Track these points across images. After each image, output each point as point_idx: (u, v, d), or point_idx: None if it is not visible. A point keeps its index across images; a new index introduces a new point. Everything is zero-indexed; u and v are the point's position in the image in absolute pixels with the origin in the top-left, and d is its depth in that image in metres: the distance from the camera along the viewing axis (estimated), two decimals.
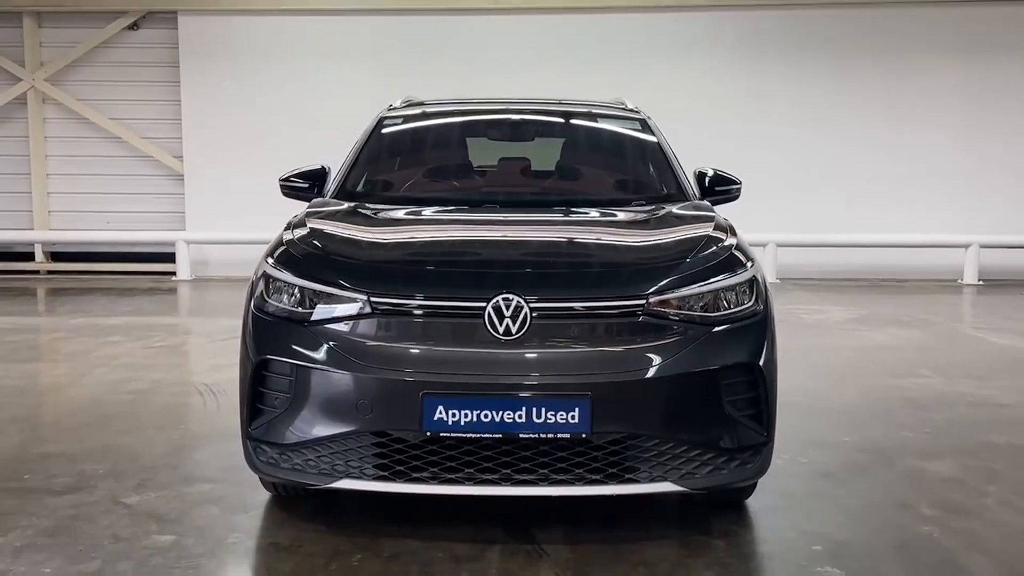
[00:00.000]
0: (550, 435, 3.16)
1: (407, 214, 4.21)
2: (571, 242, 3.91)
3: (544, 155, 5.10)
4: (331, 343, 3.27)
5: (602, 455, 3.22)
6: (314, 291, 3.38)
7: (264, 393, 3.37)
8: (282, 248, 3.64)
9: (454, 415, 3.15)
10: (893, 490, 4.11)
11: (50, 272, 13.14)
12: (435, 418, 3.15)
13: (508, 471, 3.21)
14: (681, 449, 3.26)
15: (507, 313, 3.21)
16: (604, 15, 12.62)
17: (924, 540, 3.55)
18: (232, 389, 5.69)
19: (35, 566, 3.25)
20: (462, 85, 10.76)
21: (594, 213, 4.22)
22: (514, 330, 3.21)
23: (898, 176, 12.60)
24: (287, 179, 4.66)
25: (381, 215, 4.16)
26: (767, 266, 11.55)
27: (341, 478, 3.26)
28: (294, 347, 3.31)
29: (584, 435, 3.17)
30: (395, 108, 5.24)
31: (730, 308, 3.40)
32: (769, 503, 3.87)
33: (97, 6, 12.81)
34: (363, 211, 4.16)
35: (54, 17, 13.05)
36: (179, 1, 12.73)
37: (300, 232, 3.75)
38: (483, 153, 5.16)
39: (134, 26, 12.99)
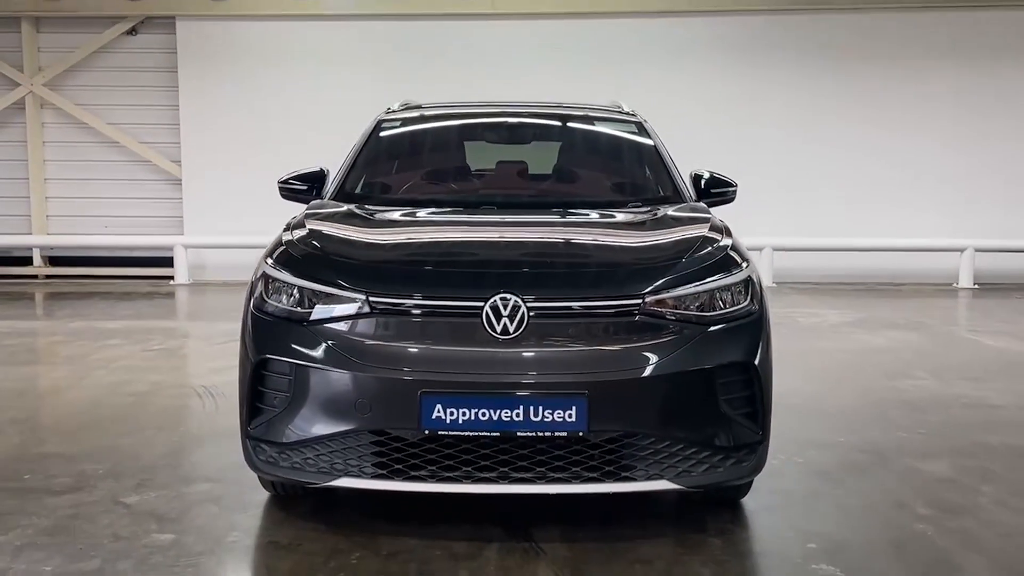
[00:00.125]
0: (547, 433, 3.19)
1: (405, 215, 4.25)
2: (568, 242, 3.94)
3: (541, 158, 5.13)
4: (330, 342, 3.29)
5: (599, 453, 3.24)
6: (313, 291, 3.40)
7: (263, 392, 3.40)
8: (281, 248, 3.67)
9: (452, 414, 3.18)
10: (889, 490, 4.14)
11: (48, 276, 13.14)
12: (433, 417, 3.18)
13: (506, 469, 3.23)
14: (677, 447, 3.28)
15: (505, 312, 3.24)
16: (601, 20, 12.67)
17: (919, 539, 3.58)
18: (230, 391, 5.73)
19: (35, 564, 3.27)
20: (460, 89, 10.79)
21: (591, 214, 4.26)
22: (512, 329, 3.24)
23: (893, 180, 12.64)
24: (286, 181, 4.69)
25: (379, 216, 4.19)
26: (763, 270, 11.59)
27: (340, 476, 3.28)
28: (293, 346, 3.33)
29: (581, 433, 3.19)
30: (393, 111, 5.27)
31: (725, 308, 3.43)
32: (765, 502, 3.90)
33: (95, 11, 12.83)
34: (361, 212, 4.19)
35: (52, 22, 13.07)
36: (177, 6, 12.76)
37: (299, 233, 3.78)
38: (481, 156, 5.19)
39: (132, 31, 13.02)
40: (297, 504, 3.82)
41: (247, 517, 3.74)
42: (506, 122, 5.26)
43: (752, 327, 3.45)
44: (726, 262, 3.56)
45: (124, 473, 4.28)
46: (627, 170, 4.99)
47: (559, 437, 3.20)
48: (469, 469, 3.23)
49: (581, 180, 4.94)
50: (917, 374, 6.61)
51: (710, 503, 3.84)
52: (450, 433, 3.19)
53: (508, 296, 3.25)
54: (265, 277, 3.54)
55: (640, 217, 4.18)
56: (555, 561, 3.30)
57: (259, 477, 3.77)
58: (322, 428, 3.28)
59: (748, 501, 3.87)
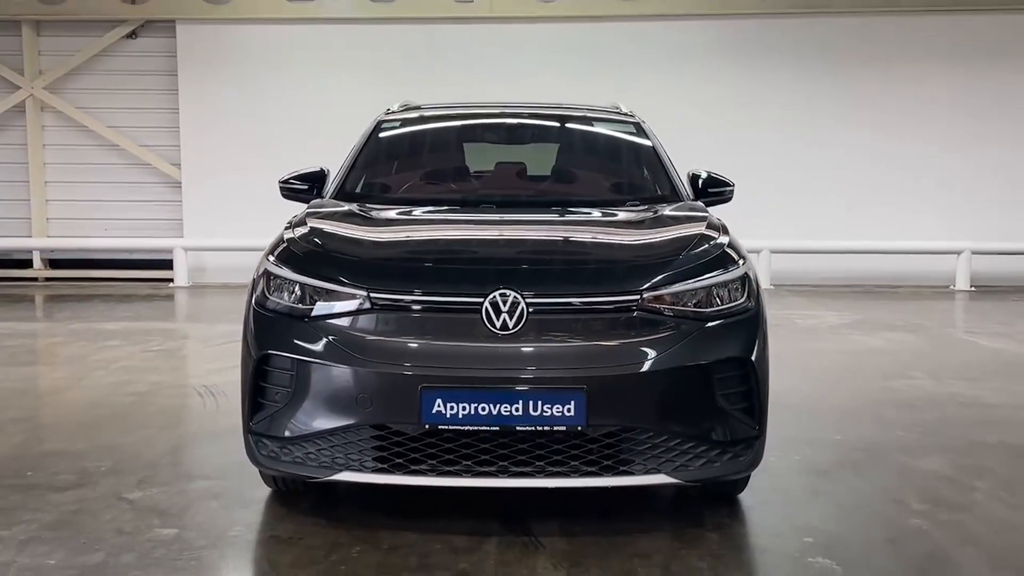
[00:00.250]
0: (546, 428, 3.23)
1: (406, 213, 4.29)
2: (567, 240, 3.99)
3: (540, 158, 5.18)
4: (331, 338, 3.33)
5: (597, 447, 3.28)
6: (314, 287, 3.44)
7: (265, 388, 3.44)
8: (283, 246, 3.71)
9: (452, 408, 3.22)
10: (885, 486, 4.18)
11: (48, 279, 13.17)
12: (433, 411, 3.22)
13: (505, 463, 3.27)
14: (675, 442, 3.32)
15: (504, 308, 3.28)
16: (600, 23, 12.72)
17: (914, 533, 3.62)
18: (230, 391, 5.78)
19: (39, 558, 3.30)
20: (460, 93, 10.83)
21: (589, 213, 4.30)
22: (511, 325, 3.28)
23: (890, 183, 12.69)
24: (287, 181, 4.73)
25: (380, 215, 4.23)
26: (761, 272, 11.62)
27: (341, 471, 3.32)
28: (295, 342, 3.37)
29: (579, 428, 3.23)
30: (393, 112, 5.31)
31: (722, 304, 3.47)
32: (762, 498, 3.94)
33: (96, 15, 12.87)
34: (362, 211, 4.23)
35: (53, 26, 13.11)
36: (177, 10, 12.81)
37: (300, 231, 3.81)
38: (480, 156, 5.24)
39: (132, 35, 13.06)
40: (298, 500, 3.86)
41: (248, 512, 3.77)
42: (505, 123, 5.31)
43: (749, 323, 3.49)
44: (723, 259, 3.61)
45: (126, 470, 4.31)
46: (625, 170, 5.03)
47: (558, 431, 3.23)
48: (469, 463, 3.27)
49: (580, 180, 4.99)
50: (914, 374, 6.65)
51: (707, 498, 3.87)
52: (450, 427, 3.23)
53: (507, 292, 3.29)
54: (267, 274, 3.58)
55: (638, 215, 4.22)
56: (554, 555, 3.33)
57: (260, 473, 3.80)
58: (323, 423, 3.32)
59: (745, 497, 3.91)
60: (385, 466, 3.30)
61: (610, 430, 3.27)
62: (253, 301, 3.57)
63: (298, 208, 4.47)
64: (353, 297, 3.38)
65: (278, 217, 4.72)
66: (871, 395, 6.00)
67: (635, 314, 3.35)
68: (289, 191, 4.72)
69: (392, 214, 4.28)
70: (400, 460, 3.29)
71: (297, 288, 3.48)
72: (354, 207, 4.29)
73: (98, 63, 13.11)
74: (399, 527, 3.55)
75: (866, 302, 10.92)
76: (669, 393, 3.32)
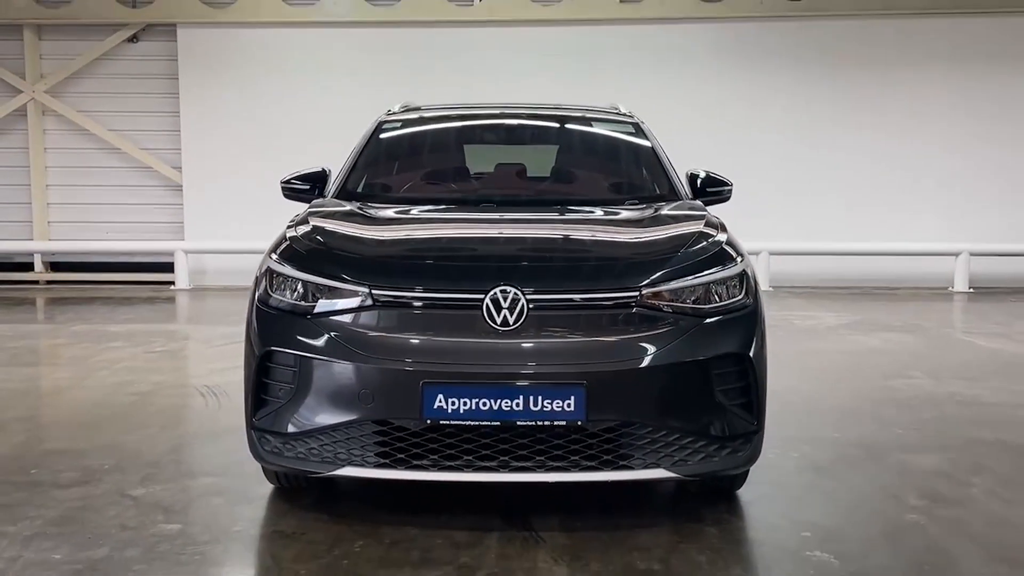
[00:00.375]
0: (546, 423, 3.26)
1: (407, 212, 4.33)
2: (566, 237, 4.03)
3: (540, 157, 5.22)
4: (334, 334, 3.37)
5: (597, 442, 3.31)
6: (317, 284, 3.48)
7: (268, 384, 3.47)
8: (285, 244, 3.74)
9: (453, 403, 3.25)
10: (882, 482, 4.21)
11: (49, 282, 13.21)
12: (435, 406, 3.25)
13: (506, 458, 3.30)
14: (674, 437, 3.36)
15: (505, 304, 3.32)
16: (598, 27, 12.77)
17: (911, 527, 3.65)
18: (232, 391, 5.81)
19: (45, 552, 3.33)
20: (460, 95, 10.85)
21: (589, 211, 4.34)
22: (511, 321, 3.31)
23: (889, 184, 12.73)
24: (288, 181, 4.77)
25: (381, 213, 4.27)
26: (760, 274, 11.66)
27: (344, 466, 3.36)
28: (298, 339, 3.41)
29: (579, 423, 3.27)
30: (393, 113, 5.36)
31: (721, 301, 3.51)
32: (760, 493, 3.97)
33: (97, 19, 12.92)
34: (363, 210, 4.27)
35: (54, 30, 13.16)
36: (178, 14, 12.85)
37: (303, 229, 3.85)
38: (481, 155, 5.28)
39: (134, 39, 13.11)
40: (300, 496, 3.89)
41: (251, 509, 3.80)
42: (505, 123, 5.36)
43: (747, 320, 3.53)
44: (721, 256, 3.65)
45: (129, 468, 4.34)
46: (624, 170, 5.07)
47: (558, 426, 3.27)
48: (470, 458, 3.31)
49: (579, 179, 5.03)
50: (912, 374, 6.68)
51: (706, 494, 3.90)
52: (451, 422, 3.27)
53: (508, 288, 3.33)
54: (270, 272, 3.62)
55: (637, 214, 4.26)
56: (554, 549, 3.37)
57: (263, 469, 3.84)
58: (326, 418, 3.36)
59: (743, 493, 3.94)
60: (387, 461, 3.33)
61: (610, 425, 3.31)
62: (256, 298, 3.61)
63: (299, 208, 4.50)
64: (355, 294, 3.42)
65: (279, 220, 4.76)
66: (870, 394, 6.03)
67: (634, 310, 3.39)
68: (291, 191, 4.76)
69: (393, 213, 4.32)
70: (402, 455, 3.32)
71: (300, 285, 3.51)
72: (355, 206, 4.33)
73: (99, 67, 13.15)
74: (401, 522, 3.58)
75: (864, 303, 10.96)
76: (668, 388, 3.36)
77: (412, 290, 3.40)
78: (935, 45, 12.65)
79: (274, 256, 3.68)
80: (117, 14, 12.89)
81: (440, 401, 3.25)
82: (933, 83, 12.70)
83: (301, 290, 3.50)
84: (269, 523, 3.65)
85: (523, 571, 3.18)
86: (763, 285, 11.10)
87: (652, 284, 3.43)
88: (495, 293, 3.33)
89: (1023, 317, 9.88)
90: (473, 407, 3.25)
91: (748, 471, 3.79)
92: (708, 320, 3.45)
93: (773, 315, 9.20)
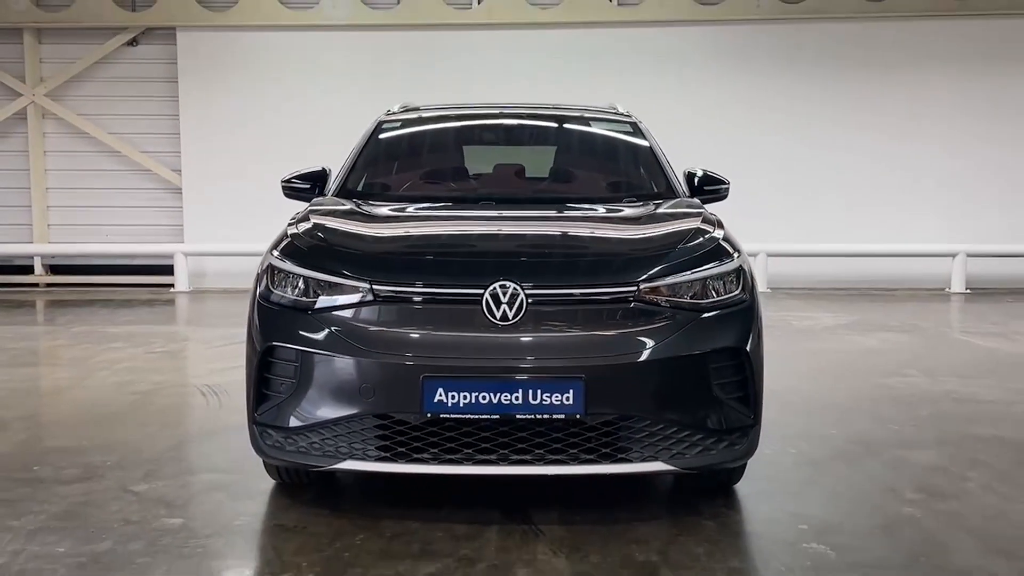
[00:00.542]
0: (545, 416, 3.29)
1: (407, 210, 4.37)
2: (565, 233, 4.08)
3: (539, 156, 5.26)
4: (334, 329, 3.40)
5: (595, 435, 3.35)
6: (318, 280, 3.51)
7: (270, 379, 3.50)
8: (287, 240, 3.78)
9: (453, 397, 3.28)
10: (878, 477, 4.25)
11: (49, 285, 13.23)
12: (435, 400, 3.29)
13: (506, 451, 3.34)
14: (671, 430, 3.39)
15: (504, 299, 3.35)
16: (597, 29, 12.82)
17: (907, 520, 3.68)
18: (232, 390, 5.85)
19: (49, 546, 3.36)
20: (459, 98, 10.91)
21: (587, 209, 4.38)
22: (511, 315, 3.35)
23: (888, 185, 12.78)
24: (289, 180, 4.80)
25: (381, 211, 4.31)
26: (758, 275, 11.69)
27: (345, 459, 3.39)
28: (299, 334, 3.44)
29: (578, 416, 3.30)
30: (393, 112, 5.39)
31: (718, 296, 3.55)
32: (758, 488, 4.00)
33: (96, 22, 12.96)
34: (363, 208, 4.31)
35: (54, 33, 13.20)
36: (178, 17, 12.90)
37: (304, 226, 3.89)
38: (480, 154, 5.32)
39: (133, 42, 13.15)
40: (302, 491, 3.92)
41: (253, 503, 3.83)
42: (504, 123, 5.40)
43: (744, 315, 3.56)
44: (718, 252, 3.68)
45: (131, 465, 4.37)
46: (622, 168, 5.11)
47: (557, 420, 3.30)
48: (470, 451, 3.34)
49: (578, 178, 5.07)
50: (909, 372, 6.72)
51: (704, 489, 3.93)
52: (451, 416, 3.30)
53: (507, 283, 3.37)
54: (271, 268, 3.65)
55: (635, 211, 4.30)
56: (553, 541, 3.40)
57: (264, 464, 3.87)
58: (327, 412, 3.39)
59: (741, 487, 3.97)
60: (388, 455, 3.36)
61: (608, 418, 3.34)
62: (257, 295, 3.64)
63: (299, 208, 4.53)
64: (356, 290, 3.45)
65: (278, 222, 4.78)
66: (867, 392, 6.06)
67: (632, 305, 3.43)
68: (291, 190, 4.79)
69: (393, 210, 4.35)
70: (402, 449, 3.36)
71: (301, 281, 3.55)
72: (356, 204, 4.37)
73: (99, 70, 13.19)
74: (401, 516, 3.61)
75: (862, 304, 10.99)
76: (666, 382, 3.39)
77: (412, 285, 3.43)
78: (933, 47, 12.71)
79: (275, 252, 3.72)
80: (117, 18, 12.93)
81: (440, 395, 3.28)
82: (931, 84, 12.75)
83: (302, 286, 3.54)
84: (270, 517, 3.69)
85: (523, 563, 3.22)
86: (761, 287, 11.17)
87: (650, 279, 3.47)
88: (495, 288, 3.36)
89: (1019, 317, 9.92)
90: (473, 401, 3.28)
91: (746, 465, 3.83)
92: (705, 315, 3.48)
93: (771, 316, 9.24)
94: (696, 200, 4.55)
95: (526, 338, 3.34)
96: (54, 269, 13.44)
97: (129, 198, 13.26)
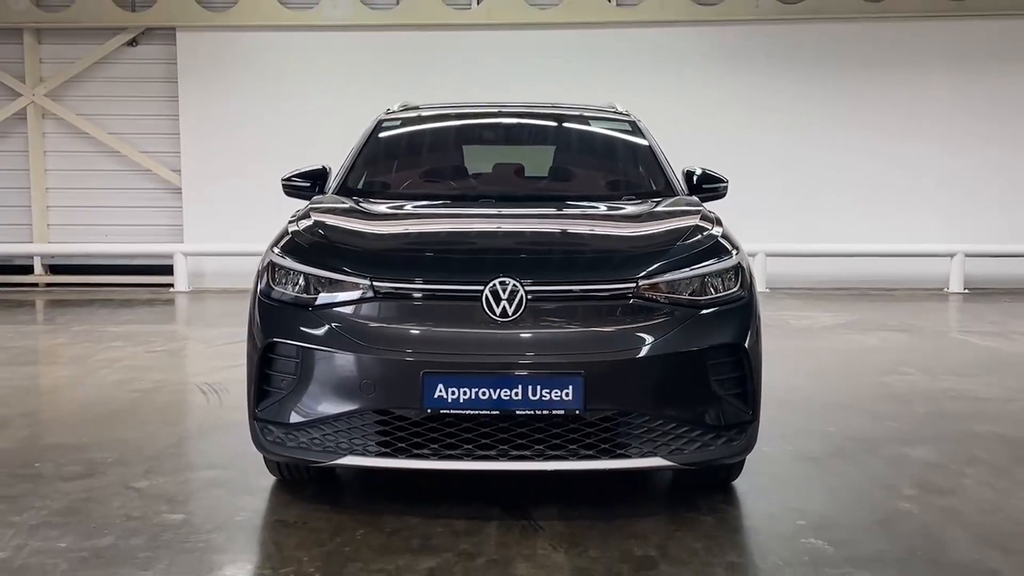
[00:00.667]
0: (545, 412, 3.32)
1: (407, 208, 4.39)
2: (564, 231, 4.10)
3: (538, 155, 5.29)
4: (335, 326, 3.42)
5: (595, 431, 3.37)
6: (319, 277, 3.54)
7: (271, 375, 3.52)
8: (287, 238, 3.80)
9: (453, 393, 3.30)
10: (875, 473, 4.27)
11: (49, 284, 13.25)
12: (435, 396, 3.31)
13: (505, 447, 3.36)
14: (670, 426, 3.41)
15: (504, 296, 3.38)
16: (596, 29, 12.85)
17: (904, 516, 3.70)
18: (233, 388, 5.87)
19: (51, 541, 3.38)
20: (458, 98, 10.92)
21: (586, 206, 4.40)
22: (510, 312, 3.37)
23: (887, 185, 12.80)
24: (289, 178, 4.82)
25: (381, 209, 4.34)
26: (757, 275, 11.72)
27: (345, 455, 3.41)
28: (300, 330, 3.46)
29: (577, 412, 3.32)
30: (393, 111, 5.42)
31: (716, 293, 3.57)
32: (756, 484, 4.02)
33: (96, 23, 12.97)
34: (364, 205, 4.33)
35: (54, 33, 13.22)
36: (177, 18, 12.91)
37: (305, 223, 3.91)
38: (479, 153, 5.35)
39: (133, 42, 13.16)
40: (302, 487, 3.94)
41: (254, 499, 3.85)
42: (503, 122, 5.42)
43: (742, 311, 3.59)
44: (717, 249, 3.71)
45: (132, 461, 4.39)
46: (621, 167, 5.14)
47: (556, 415, 3.32)
48: (470, 447, 3.36)
49: (577, 177, 5.09)
50: (907, 371, 6.74)
51: (703, 485, 3.94)
52: (451, 412, 3.32)
53: (507, 280, 3.39)
54: (272, 265, 3.67)
55: (634, 209, 4.32)
56: (553, 537, 3.42)
57: (265, 460, 3.89)
58: (328, 408, 3.41)
59: (739, 484, 3.99)
60: (388, 450, 3.39)
61: (607, 414, 3.36)
62: (258, 291, 3.66)
63: (300, 206, 4.55)
64: (356, 286, 3.47)
65: (277, 222, 4.79)
66: (865, 390, 6.09)
67: (631, 301, 3.45)
68: (291, 188, 4.81)
69: (393, 208, 4.38)
70: (403, 444, 3.38)
71: (301, 278, 3.57)
72: (356, 201, 4.39)
73: (99, 70, 13.21)
74: (402, 512, 3.63)
75: (861, 304, 11.02)
76: (665, 378, 3.41)
77: (412, 282, 3.46)
78: (932, 47, 12.73)
79: (276, 249, 3.74)
80: (117, 18, 12.94)
81: (440, 391, 3.30)
82: (930, 84, 12.77)
83: (303, 282, 3.56)
84: (271, 513, 3.71)
85: (522, 558, 3.24)
86: (760, 286, 11.18)
87: (649, 276, 3.49)
88: (494, 284, 3.38)
89: (1018, 317, 9.94)
90: (473, 397, 3.30)
91: (744, 461, 3.85)
92: (704, 311, 3.51)
93: (770, 315, 9.27)
94: (695, 198, 4.57)
95: (526, 334, 3.37)
96: (54, 269, 13.45)
97: (129, 198, 13.27)
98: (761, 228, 12.16)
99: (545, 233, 4.05)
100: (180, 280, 12.66)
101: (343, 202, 4.39)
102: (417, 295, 3.45)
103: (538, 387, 3.30)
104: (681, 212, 4.18)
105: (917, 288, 12.54)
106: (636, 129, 5.19)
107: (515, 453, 3.36)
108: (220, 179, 12.92)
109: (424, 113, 5.47)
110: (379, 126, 5.20)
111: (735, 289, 3.62)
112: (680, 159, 5.54)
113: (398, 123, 5.30)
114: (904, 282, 12.62)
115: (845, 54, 12.77)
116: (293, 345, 3.46)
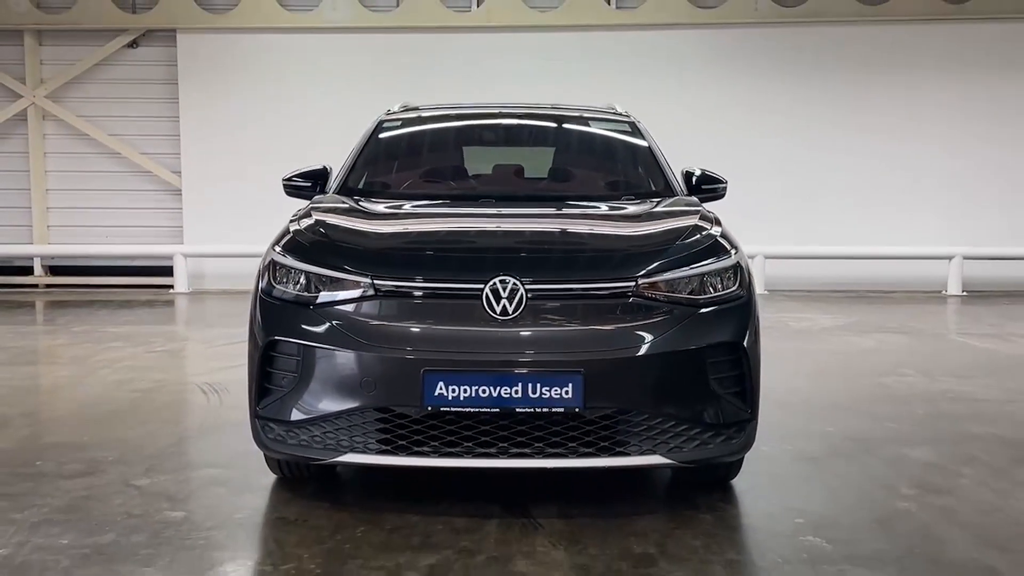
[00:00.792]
0: (545, 410, 3.33)
1: (407, 207, 4.41)
2: (564, 230, 4.12)
3: (537, 156, 5.31)
4: (336, 324, 3.44)
5: (594, 429, 3.38)
6: (320, 275, 3.55)
7: (272, 373, 3.54)
8: (288, 236, 3.82)
9: (454, 391, 3.32)
10: (874, 473, 4.28)
11: (49, 286, 13.27)
12: (435, 394, 3.32)
13: (505, 445, 3.37)
14: (669, 424, 3.43)
15: (504, 294, 3.39)
16: (596, 32, 12.89)
17: (902, 515, 3.72)
18: (233, 388, 5.88)
19: (52, 538, 3.39)
20: (458, 99, 10.96)
21: (586, 206, 4.42)
22: (511, 310, 3.39)
23: (887, 187, 12.84)
24: (290, 179, 4.83)
25: (382, 208, 4.35)
26: (755, 278, 11.73)
27: (346, 452, 3.42)
28: (301, 328, 3.48)
29: (577, 410, 3.33)
30: (393, 112, 5.44)
31: (715, 292, 3.59)
32: (754, 483, 4.04)
33: (97, 24, 13.01)
34: (364, 205, 4.35)
35: (55, 35, 13.25)
36: (178, 19, 12.95)
37: (306, 222, 3.93)
38: (479, 153, 5.36)
39: (133, 44, 13.20)
40: (303, 485, 3.95)
41: (254, 497, 3.86)
42: (503, 123, 5.44)
43: (741, 310, 3.60)
44: (716, 248, 3.72)
45: (133, 460, 4.40)
46: (621, 168, 5.15)
47: (556, 413, 3.34)
48: (470, 445, 3.37)
49: (576, 177, 5.10)
50: (905, 372, 6.76)
51: (702, 484, 3.96)
52: (452, 410, 3.33)
53: (507, 278, 3.40)
54: (273, 263, 3.69)
55: (634, 209, 4.34)
56: (552, 534, 3.43)
57: (265, 458, 3.90)
58: (328, 406, 3.42)
59: (738, 482, 4.00)
60: (389, 448, 3.40)
61: (606, 412, 3.38)
62: (260, 290, 3.68)
63: (300, 206, 4.57)
64: (357, 285, 3.49)
65: (277, 223, 4.82)
66: (863, 391, 6.11)
67: (631, 300, 3.46)
68: (292, 188, 4.82)
69: (395, 207, 4.40)
70: (403, 442, 3.39)
71: (303, 276, 3.58)
72: (357, 201, 4.41)
73: (99, 72, 13.24)
74: (402, 510, 3.64)
75: (859, 306, 11.04)
76: (664, 376, 3.43)
77: (413, 280, 3.47)
78: (931, 50, 12.78)
79: (277, 248, 3.75)
80: (117, 20, 12.98)
81: (441, 388, 3.32)
82: (929, 87, 12.82)
83: (304, 281, 3.57)
84: (272, 510, 3.72)
85: (522, 555, 3.25)
86: (759, 289, 11.20)
87: (648, 275, 3.51)
88: (495, 283, 3.40)
89: (1016, 319, 9.96)
90: (473, 394, 3.32)
91: (743, 460, 3.87)
92: (703, 310, 3.52)
93: (769, 317, 9.29)
94: (694, 198, 4.59)
95: (526, 332, 3.38)
96: (54, 270, 13.48)
97: (129, 199, 13.30)
98: (760, 230, 12.19)
99: (545, 232, 4.07)
100: (180, 281, 12.68)
101: (344, 202, 4.40)
102: (418, 293, 3.46)
103: (538, 385, 3.32)
104: (680, 212, 4.20)
105: (916, 290, 12.57)
106: (636, 130, 5.21)
107: (515, 451, 3.37)
108: (220, 181, 12.95)
109: (424, 114, 5.49)
110: (380, 127, 5.21)
111: (734, 288, 3.64)
112: (679, 161, 5.57)
113: (398, 124, 5.31)
114: (903, 284, 12.65)
115: (844, 57, 12.82)
116: (294, 343, 3.47)
